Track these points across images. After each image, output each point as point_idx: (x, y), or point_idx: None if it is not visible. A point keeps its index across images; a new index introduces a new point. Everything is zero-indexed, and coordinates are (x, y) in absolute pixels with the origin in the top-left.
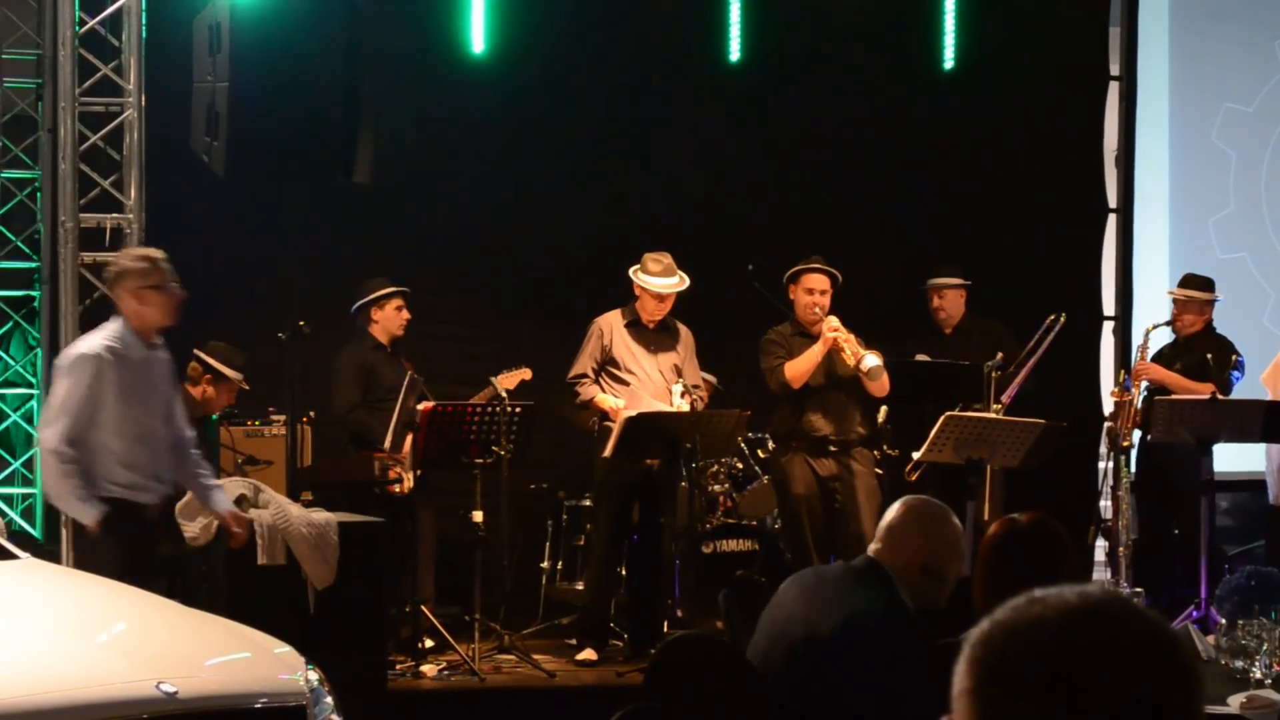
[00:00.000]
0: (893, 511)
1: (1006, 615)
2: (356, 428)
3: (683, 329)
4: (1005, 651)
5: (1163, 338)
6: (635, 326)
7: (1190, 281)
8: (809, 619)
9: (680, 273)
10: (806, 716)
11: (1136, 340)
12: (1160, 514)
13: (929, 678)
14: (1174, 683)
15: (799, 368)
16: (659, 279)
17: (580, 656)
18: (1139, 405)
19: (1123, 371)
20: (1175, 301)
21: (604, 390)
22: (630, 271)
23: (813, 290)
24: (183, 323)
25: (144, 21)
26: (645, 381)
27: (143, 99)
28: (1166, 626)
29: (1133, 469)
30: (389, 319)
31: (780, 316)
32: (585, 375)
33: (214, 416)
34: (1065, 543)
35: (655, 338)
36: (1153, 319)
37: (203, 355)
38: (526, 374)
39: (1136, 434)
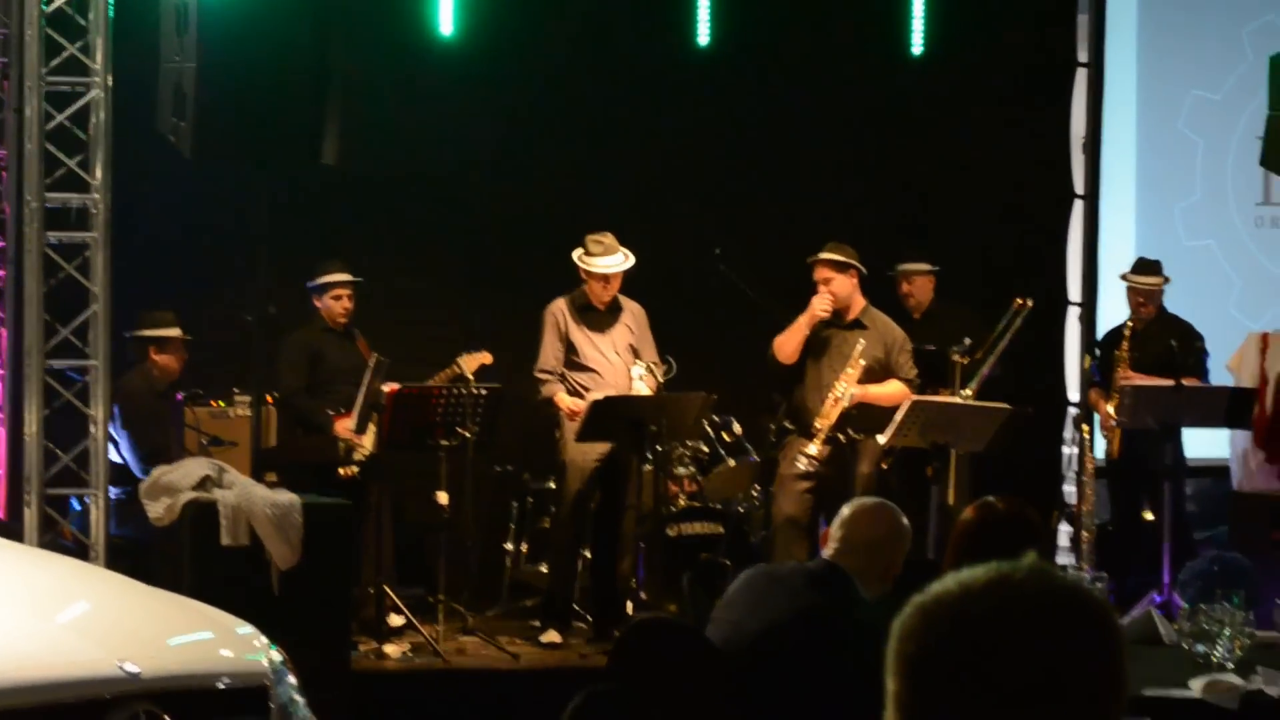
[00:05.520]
0: (847, 514)
1: (921, 597)
2: (298, 412)
3: (634, 306)
4: (923, 633)
5: (1114, 323)
6: (586, 311)
7: (1147, 267)
8: (765, 618)
9: (623, 250)
10: (767, 706)
11: (1100, 335)
12: (1131, 499)
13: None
14: (1094, 646)
15: (783, 341)
16: (602, 259)
17: (544, 638)
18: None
19: (1089, 359)
20: (1134, 290)
21: (566, 380)
22: (574, 256)
23: (818, 281)
24: (147, 304)
25: (111, 1)
26: (603, 365)
27: (109, 79)
28: (1087, 593)
29: (1098, 454)
30: (327, 307)
31: (748, 301)
32: (550, 370)
33: (179, 396)
34: (1039, 530)
35: (607, 320)
36: (1118, 306)
37: (134, 334)
38: (486, 358)
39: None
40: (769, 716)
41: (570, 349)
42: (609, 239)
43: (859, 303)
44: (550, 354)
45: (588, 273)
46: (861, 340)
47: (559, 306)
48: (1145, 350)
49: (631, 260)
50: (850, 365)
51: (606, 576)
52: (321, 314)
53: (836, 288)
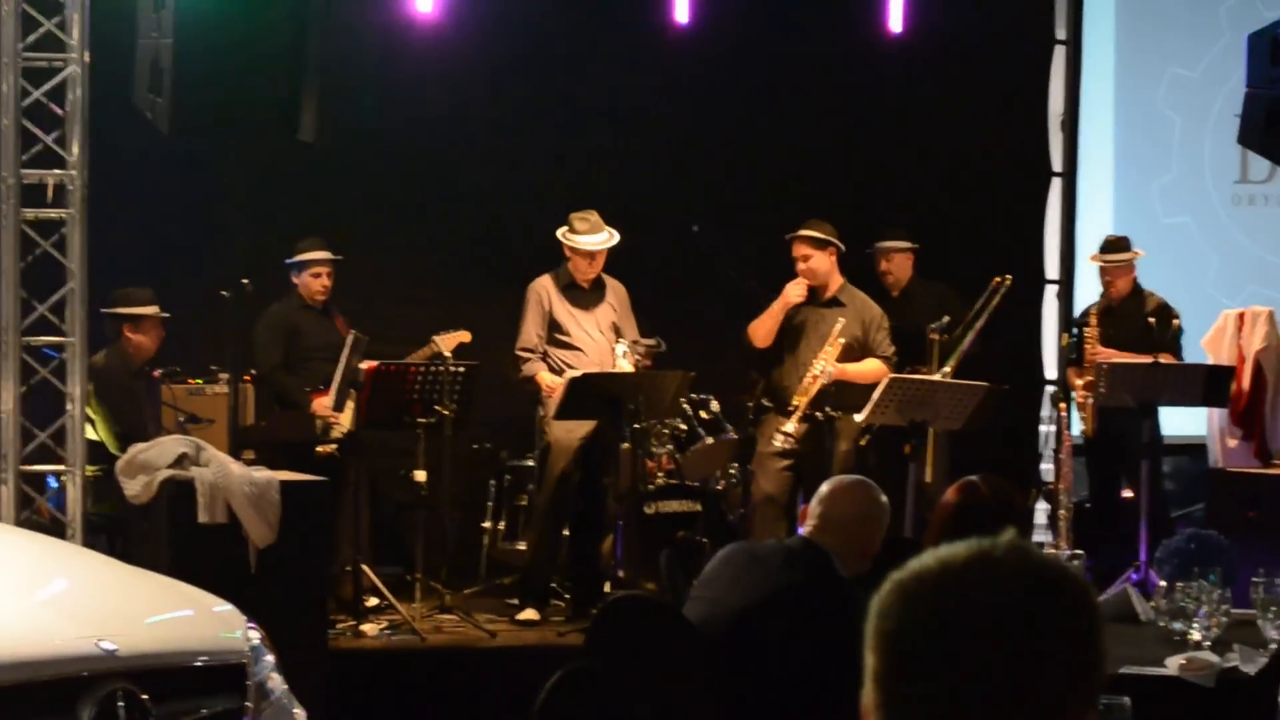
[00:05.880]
0: (825, 492)
1: (899, 574)
2: (277, 388)
3: (616, 284)
4: (901, 610)
5: (1091, 299)
6: (570, 289)
7: (1113, 245)
8: (744, 596)
9: (609, 229)
10: (745, 684)
11: (1078, 312)
12: (1109, 477)
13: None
14: (1072, 624)
15: (757, 325)
16: (587, 237)
17: (521, 616)
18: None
19: (1067, 337)
20: (1102, 269)
21: (549, 358)
22: (558, 233)
23: (796, 259)
24: (123, 280)
25: None
26: (587, 343)
27: (86, 55)
28: (1065, 570)
29: (1074, 431)
30: (305, 284)
31: (726, 279)
32: (532, 348)
33: (156, 373)
34: (1022, 513)
35: (591, 297)
36: (1096, 284)
37: (110, 310)
38: (465, 337)
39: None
40: (746, 694)
41: (554, 327)
42: (594, 216)
43: (837, 280)
44: (532, 332)
45: (572, 250)
46: (841, 318)
47: (542, 284)
48: (1120, 327)
49: (616, 238)
50: (829, 343)
51: (586, 555)
52: (299, 291)
53: (814, 265)
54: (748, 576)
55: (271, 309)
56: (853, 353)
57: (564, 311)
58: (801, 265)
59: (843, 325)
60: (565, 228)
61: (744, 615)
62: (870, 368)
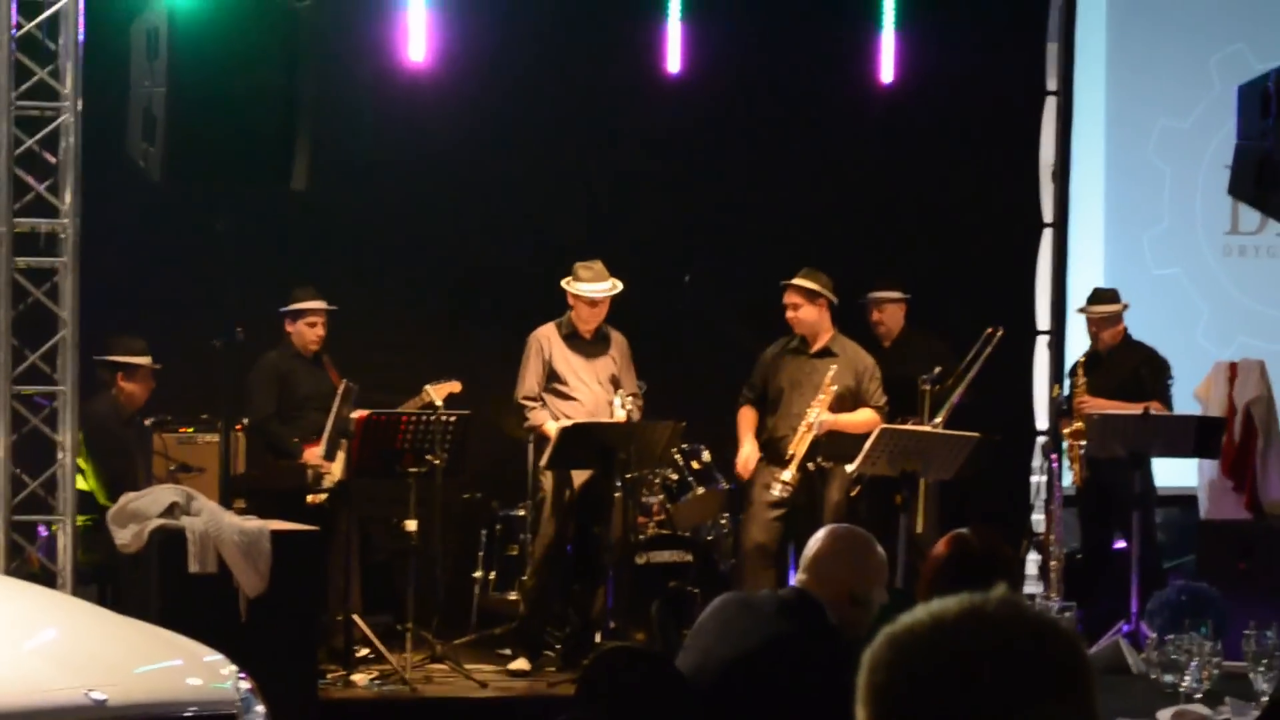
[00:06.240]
0: (818, 541)
1: (892, 628)
2: (270, 438)
3: (619, 337)
4: (894, 664)
5: (1082, 350)
6: (572, 339)
7: (1099, 297)
8: (736, 646)
9: (613, 278)
10: None
11: (1069, 364)
12: (1101, 528)
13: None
14: (1063, 678)
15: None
16: (591, 285)
17: (514, 666)
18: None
19: (1058, 388)
20: (1090, 320)
21: (547, 407)
22: (563, 283)
23: (786, 306)
24: (114, 328)
25: (81, 25)
26: (585, 394)
27: (79, 103)
28: (1056, 626)
29: (1066, 482)
30: (300, 333)
31: (718, 329)
32: (535, 398)
33: (147, 423)
34: (1012, 565)
35: (592, 348)
36: (1086, 334)
37: (103, 358)
38: (456, 387)
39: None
40: None
41: (552, 376)
42: (598, 265)
43: (828, 331)
44: (533, 380)
45: (575, 297)
46: (833, 366)
47: (544, 333)
48: (1110, 376)
49: (619, 287)
50: (822, 392)
51: (577, 605)
52: (293, 339)
53: (802, 315)
54: (739, 626)
55: (265, 358)
56: (845, 402)
57: (563, 361)
58: (790, 314)
59: (834, 373)
60: (569, 277)
61: (734, 665)
62: (863, 418)
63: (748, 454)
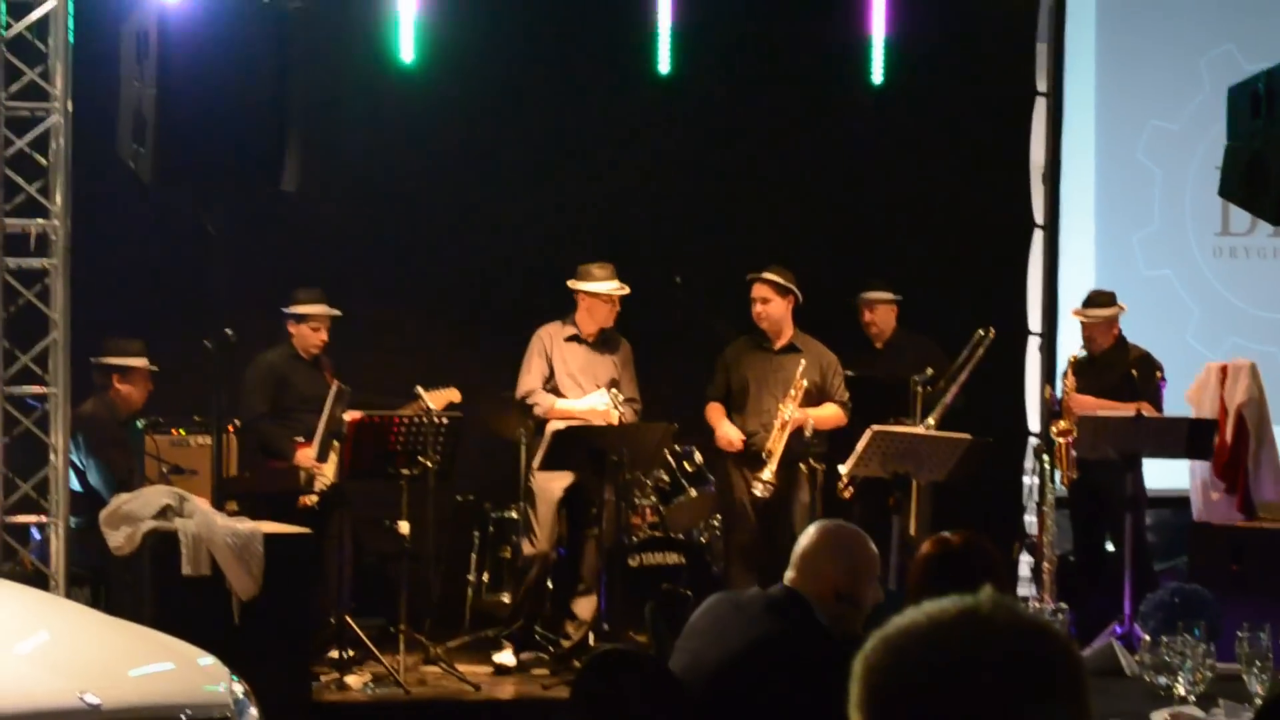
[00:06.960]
0: (807, 538)
1: (886, 631)
2: (261, 437)
3: (624, 343)
4: (888, 666)
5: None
6: (575, 340)
7: (1095, 300)
8: (726, 646)
9: (619, 281)
10: None
11: (1061, 365)
12: (1093, 530)
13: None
14: (1057, 681)
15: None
16: (607, 283)
17: (497, 658)
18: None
19: (1049, 389)
20: (1085, 324)
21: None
22: (570, 283)
23: (754, 300)
24: (106, 330)
25: (71, 26)
26: (581, 396)
27: (69, 104)
28: (1049, 628)
29: (1058, 484)
30: (303, 336)
31: (709, 330)
32: (536, 391)
33: (139, 424)
34: (997, 562)
35: (595, 351)
36: (1077, 336)
37: (100, 360)
38: (455, 396)
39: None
40: None
41: (552, 376)
42: (610, 267)
43: (790, 328)
44: (536, 376)
45: (592, 296)
46: (803, 362)
47: (548, 331)
48: (1102, 377)
49: (626, 290)
50: (793, 388)
51: (568, 607)
52: (294, 341)
53: (771, 310)
54: (729, 626)
55: (262, 357)
56: (810, 398)
57: (562, 362)
58: (759, 307)
59: (804, 368)
60: (577, 278)
61: (725, 666)
62: (829, 412)
63: (727, 429)
